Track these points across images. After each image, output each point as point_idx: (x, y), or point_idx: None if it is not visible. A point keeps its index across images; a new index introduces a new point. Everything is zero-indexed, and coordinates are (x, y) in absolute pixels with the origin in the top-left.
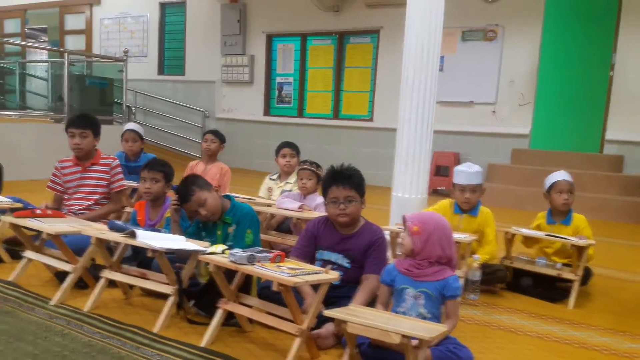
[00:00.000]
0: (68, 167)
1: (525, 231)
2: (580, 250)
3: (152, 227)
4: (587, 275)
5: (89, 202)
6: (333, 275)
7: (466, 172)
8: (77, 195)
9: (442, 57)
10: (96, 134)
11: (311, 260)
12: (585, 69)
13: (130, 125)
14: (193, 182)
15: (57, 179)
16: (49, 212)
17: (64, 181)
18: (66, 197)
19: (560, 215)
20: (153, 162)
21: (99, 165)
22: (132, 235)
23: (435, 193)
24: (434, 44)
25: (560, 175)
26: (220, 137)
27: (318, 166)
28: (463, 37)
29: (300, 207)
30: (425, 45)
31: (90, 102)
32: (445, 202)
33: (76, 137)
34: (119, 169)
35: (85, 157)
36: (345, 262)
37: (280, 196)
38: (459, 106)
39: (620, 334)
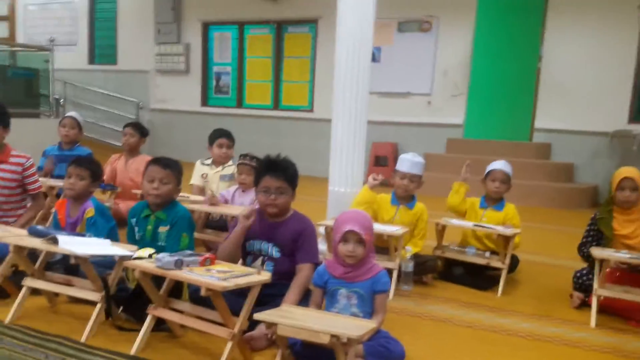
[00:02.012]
0: None
1: (455, 222)
2: (506, 239)
3: (74, 227)
4: (514, 263)
5: None
6: (264, 277)
7: (409, 161)
8: None
9: (378, 48)
10: (5, 124)
11: (242, 250)
12: (516, 60)
13: (70, 113)
14: (177, 163)
15: None
16: None
17: None
18: None
19: (492, 201)
20: (82, 158)
21: (8, 164)
22: (54, 241)
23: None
24: (366, 35)
25: (497, 165)
26: (140, 131)
27: (258, 160)
28: (399, 28)
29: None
30: (357, 37)
31: (14, 94)
32: (383, 195)
33: None
34: (34, 169)
35: None
36: (275, 252)
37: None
38: (396, 97)
39: (543, 319)
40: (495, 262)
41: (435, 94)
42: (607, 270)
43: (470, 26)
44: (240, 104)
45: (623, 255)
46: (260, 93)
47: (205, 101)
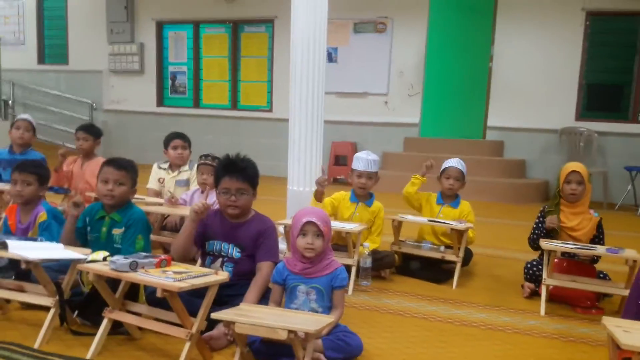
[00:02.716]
0: None
1: (411, 218)
2: (460, 233)
3: (26, 233)
4: (468, 256)
5: None
6: (222, 276)
7: (364, 159)
8: None
9: (335, 49)
10: None
11: (201, 249)
12: (468, 60)
13: (24, 115)
14: (132, 163)
15: None
16: None
17: None
18: None
19: (448, 198)
20: (25, 163)
21: None
22: (3, 246)
23: (335, 182)
24: (320, 34)
25: (451, 162)
26: (93, 133)
27: (220, 160)
28: (355, 29)
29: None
30: (311, 37)
31: None
32: (342, 193)
33: None
34: None
35: None
36: (235, 252)
37: (186, 193)
38: (353, 97)
39: (496, 309)
40: (449, 256)
41: (391, 93)
42: (555, 260)
43: (424, 27)
44: (197, 104)
45: (569, 246)
46: (217, 93)
47: (161, 101)
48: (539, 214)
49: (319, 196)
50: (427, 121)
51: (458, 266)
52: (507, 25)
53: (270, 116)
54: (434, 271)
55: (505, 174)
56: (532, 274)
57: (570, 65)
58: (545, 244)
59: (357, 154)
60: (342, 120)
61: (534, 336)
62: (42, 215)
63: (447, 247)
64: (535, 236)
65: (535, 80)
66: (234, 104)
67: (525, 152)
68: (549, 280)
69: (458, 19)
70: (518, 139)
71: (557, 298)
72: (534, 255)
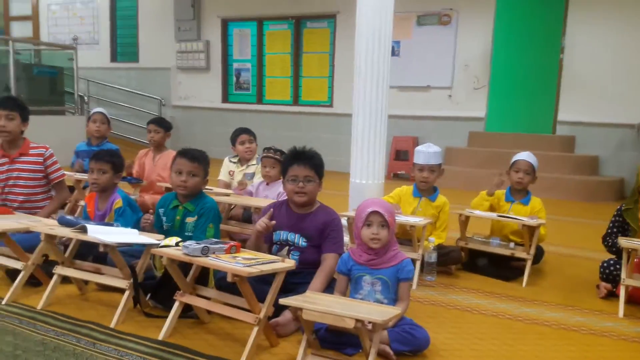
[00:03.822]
0: None
1: (478, 213)
2: (531, 230)
3: (103, 219)
4: (539, 254)
5: (26, 196)
6: (289, 264)
7: (425, 152)
8: (13, 190)
9: (397, 42)
10: (24, 118)
11: (269, 241)
12: (537, 52)
13: (99, 109)
14: (204, 155)
15: None
16: None
17: None
18: (1, 191)
19: (518, 194)
20: (101, 152)
21: (29, 156)
22: (83, 230)
23: (396, 177)
24: (386, 28)
25: (522, 155)
26: (163, 126)
27: (282, 153)
28: (418, 22)
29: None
30: (376, 31)
31: (39, 92)
32: (404, 187)
33: (2, 119)
34: (54, 158)
35: (11, 146)
36: (301, 241)
37: (252, 185)
38: (416, 91)
39: (569, 309)
40: (519, 253)
41: (455, 87)
42: (636, 260)
43: (490, 18)
44: (260, 100)
45: None
46: (279, 89)
47: (225, 97)
48: (615, 212)
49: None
50: (493, 115)
51: (529, 263)
52: (580, 15)
53: (331, 111)
54: (503, 268)
55: (577, 171)
56: (609, 274)
57: None
58: (625, 242)
59: (418, 147)
60: (403, 114)
61: (612, 338)
62: (118, 202)
63: (517, 244)
64: (610, 235)
65: (610, 71)
66: (296, 100)
67: (598, 148)
68: (629, 280)
69: (527, 10)
70: (591, 134)
71: (638, 300)
72: (609, 254)
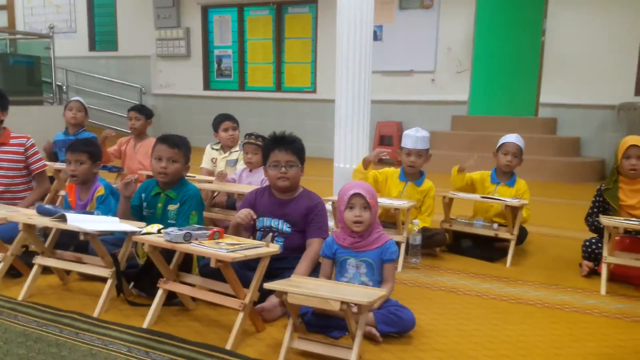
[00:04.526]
0: None
1: (462, 195)
2: (514, 210)
3: (85, 209)
4: (523, 234)
5: (6, 186)
6: (273, 249)
7: (413, 137)
8: None
9: (380, 27)
10: (3, 107)
11: (252, 229)
12: (519, 35)
13: (75, 97)
14: (185, 140)
15: None
16: None
17: None
18: None
19: (504, 176)
20: (76, 142)
21: (10, 146)
22: (62, 218)
23: (380, 162)
24: (367, 12)
25: (510, 138)
26: (144, 113)
27: (264, 139)
28: (400, 6)
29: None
30: (357, 15)
31: (16, 82)
32: (392, 169)
33: None
34: (35, 148)
35: None
36: (285, 227)
37: (235, 172)
38: (399, 75)
39: (553, 288)
40: (503, 234)
41: (439, 71)
42: (617, 238)
43: (472, 1)
44: (242, 86)
45: (633, 223)
46: (262, 75)
47: (207, 85)
48: (596, 192)
49: (366, 164)
50: (476, 99)
51: (512, 244)
52: None
53: (315, 97)
54: (487, 249)
55: (559, 153)
56: (591, 252)
57: (630, 37)
58: (606, 220)
59: (406, 131)
60: (387, 99)
61: (594, 315)
62: (100, 190)
63: (501, 225)
64: (592, 215)
65: (591, 53)
66: (279, 86)
67: (580, 129)
68: (610, 258)
69: None
70: (572, 115)
71: (619, 277)
72: (591, 234)
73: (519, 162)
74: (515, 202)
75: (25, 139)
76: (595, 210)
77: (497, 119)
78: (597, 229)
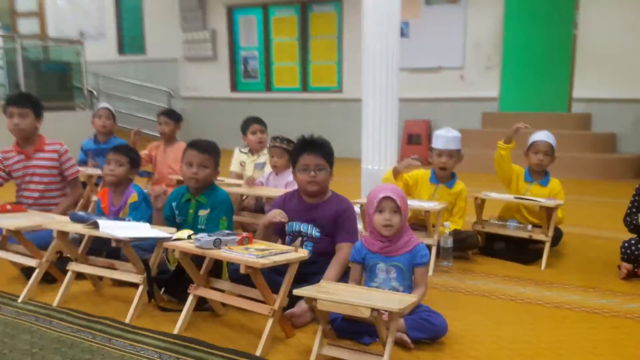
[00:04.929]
0: (11, 157)
1: (494, 195)
2: (549, 211)
3: (117, 214)
4: (557, 235)
5: (41, 192)
6: (302, 254)
7: (444, 137)
8: (28, 186)
9: (407, 23)
10: (38, 114)
11: (280, 231)
12: (550, 28)
13: (104, 104)
14: (215, 146)
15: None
16: (9, 207)
17: (9, 171)
18: (17, 188)
19: (537, 175)
20: (120, 146)
21: (45, 152)
22: (95, 225)
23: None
24: (394, 9)
25: (539, 136)
26: (174, 117)
27: (290, 142)
28: (427, 1)
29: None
30: (384, 12)
31: (48, 88)
32: (422, 171)
33: (15, 116)
34: (69, 155)
35: (26, 143)
36: (314, 232)
37: (262, 176)
38: (427, 72)
39: (590, 291)
40: (537, 235)
41: (467, 67)
42: None
43: None
44: (268, 87)
45: None
46: (288, 76)
47: (234, 87)
48: (635, 191)
49: (396, 174)
50: (506, 95)
51: (547, 246)
52: None
53: (341, 97)
54: (521, 251)
55: (594, 149)
56: (631, 254)
57: None
58: None
59: (437, 131)
60: (414, 97)
61: (634, 320)
62: (134, 197)
63: (534, 225)
64: (630, 215)
65: (627, 45)
66: (304, 86)
67: (615, 124)
68: None
69: None
70: (607, 110)
71: None
72: (630, 234)
73: (551, 160)
74: (550, 203)
75: (59, 146)
76: (634, 209)
77: (529, 115)
78: (637, 228)
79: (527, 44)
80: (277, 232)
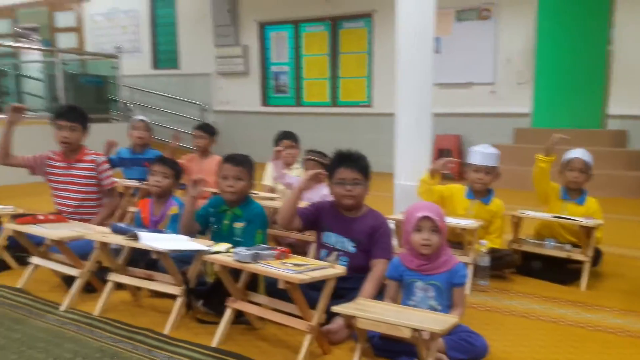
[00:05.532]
0: (55, 160)
1: (531, 214)
2: (588, 230)
3: (157, 225)
4: (597, 256)
5: (80, 202)
6: (339, 270)
7: (482, 153)
8: (66, 194)
9: (438, 39)
10: (85, 127)
11: (318, 241)
12: (584, 44)
13: (139, 116)
14: (249, 159)
15: (41, 161)
16: (52, 217)
17: (46, 172)
18: (54, 194)
19: (574, 193)
20: (166, 158)
21: (85, 162)
22: (135, 237)
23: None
24: (427, 24)
25: (576, 153)
26: (208, 131)
27: (324, 155)
28: (458, 17)
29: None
30: (417, 27)
31: (86, 100)
32: (457, 186)
33: (65, 130)
34: (107, 165)
35: (71, 153)
36: (350, 246)
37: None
38: (457, 87)
39: (634, 314)
40: (577, 255)
41: (498, 82)
42: None
43: (533, 10)
44: (299, 102)
45: None
46: (318, 90)
47: (265, 101)
48: None
49: (432, 173)
50: (539, 111)
51: (587, 266)
52: (629, 5)
53: (371, 111)
54: (558, 271)
55: (630, 167)
56: None
57: None
58: None
59: (474, 147)
60: (445, 112)
61: None
62: (174, 209)
63: (573, 245)
64: None
65: None
66: (334, 101)
67: None
68: None
69: (572, 1)
70: None
71: None
72: None
73: (587, 178)
74: (590, 223)
75: (97, 156)
76: None
77: (562, 132)
78: None
79: (560, 60)
80: (304, 220)
